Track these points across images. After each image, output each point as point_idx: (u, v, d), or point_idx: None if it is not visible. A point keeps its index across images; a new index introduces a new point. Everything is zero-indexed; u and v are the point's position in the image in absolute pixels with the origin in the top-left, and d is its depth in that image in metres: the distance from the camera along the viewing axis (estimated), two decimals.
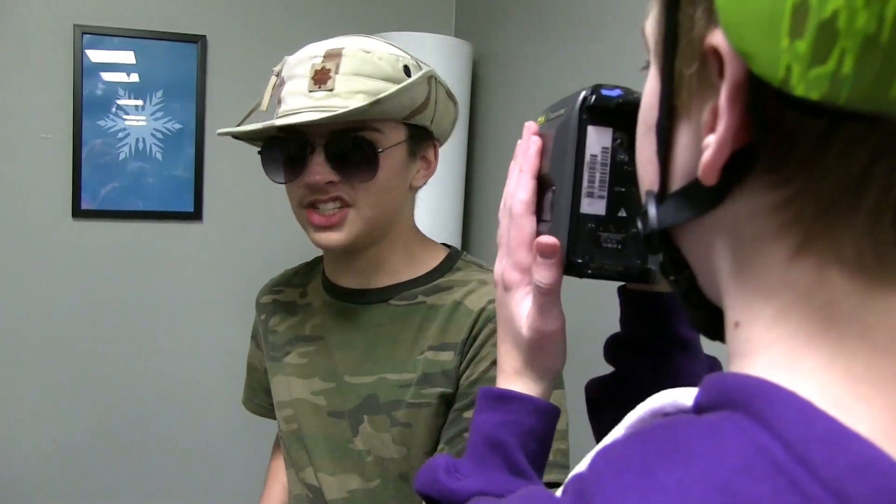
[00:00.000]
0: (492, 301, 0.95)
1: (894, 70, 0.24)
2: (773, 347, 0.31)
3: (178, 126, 2.54)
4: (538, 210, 0.58)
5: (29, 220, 2.44)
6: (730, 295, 0.34)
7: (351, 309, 1.02)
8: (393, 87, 0.87)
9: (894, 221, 0.28)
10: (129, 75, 2.48)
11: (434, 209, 2.28)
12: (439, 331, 0.96)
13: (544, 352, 0.59)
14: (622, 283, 0.65)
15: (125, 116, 2.48)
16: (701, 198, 0.33)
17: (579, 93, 0.52)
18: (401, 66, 0.92)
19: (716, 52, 0.30)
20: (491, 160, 2.51)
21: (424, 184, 1.02)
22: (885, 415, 0.27)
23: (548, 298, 0.56)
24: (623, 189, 0.52)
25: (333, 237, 0.93)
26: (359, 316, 1.01)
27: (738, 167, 0.31)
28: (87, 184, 2.47)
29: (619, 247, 0.53)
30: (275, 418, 1.16)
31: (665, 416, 0.35)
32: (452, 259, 1.05)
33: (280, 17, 2.63)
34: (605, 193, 0.52)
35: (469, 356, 0.93)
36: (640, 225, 0.38)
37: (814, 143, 0.28)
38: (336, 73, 0.88)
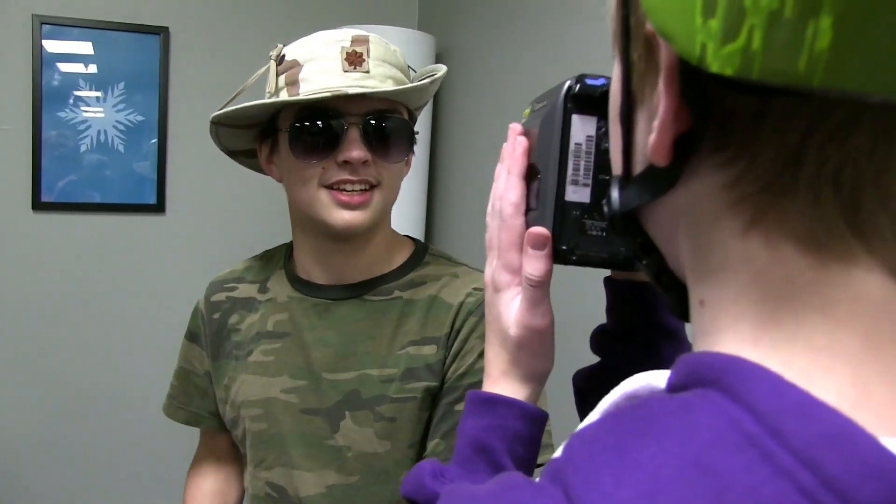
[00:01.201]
0: (469, 294, 0.97)
1: (800, 44, 0.25)
2: (737, 325, 0.32)
3: (140, 118, 2.52)
4: (526, 199, 0.58)
5: None
6: (693, 274, 0.35)
7: (322, 305, 1.01)
8: (409, 79, 0.94)
9: (836, 194, 0.29)
10: (86, 66, 2.45)
11: (398, 202, 2.29)
12: (419, 325, 0.97)
13: (531, 351, 0.58)
14: (608, 274, 0.66)
15: (84, 108, 2.46)
16: (658, 180, 0.34)
17: (564, 82, 0.53)
18: (405, 62, 0.98)
19: (653, 37, 0.31)
20: (454, 154, 2.54)
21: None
22: (850, 385, 0.28)
23: (537, 292, 0.55)
24: (607, 177, 0.52)
25: (359, 216, 0.93)
26: (331, 312, 1.00)
27: (686, 148, 0.31)
28: (47, 176, 2.44)
29: (604, 234, 0.53)
30: (209, 426, 1.14)
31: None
32: (420, 253, 1.06)
33: (243, 8, 2.62)
34: (589, 181, 0.52)
35: (454, 350, 0.95)
36: (605, 208, 0.39)
37: (749, 121, 0.29)
38: (367, 56, 0.91)
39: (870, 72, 0.25)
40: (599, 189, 0.53)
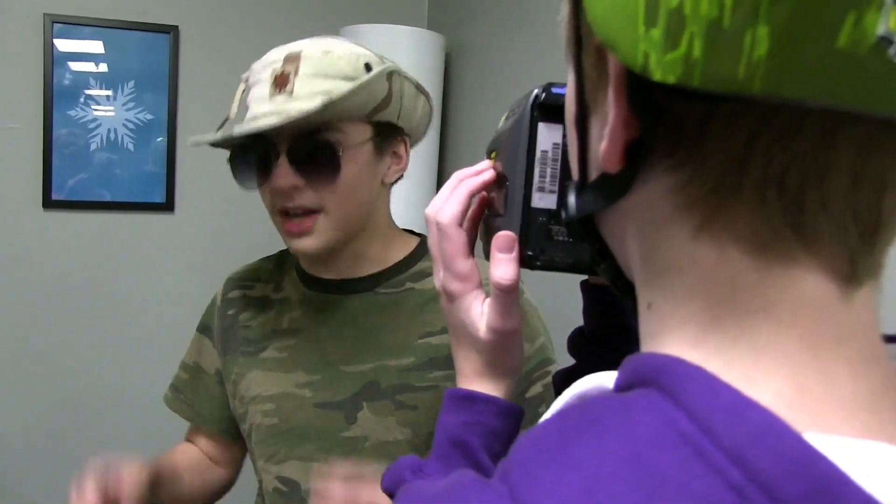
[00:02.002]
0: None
1: (738, 52, 0.25)
2: (683, 327, 0.32)
3: (149, 117, 2.52)
4: (496, 206, 0.60)
5: None
6: (641, 278, 0.36)
7: (334, 300, 1.03)
8: (353, 85, 0.87)
9: (780, 196, 0.29)
10: (97, 65, 2.46)
11: (406, 202, 2.30)
12: (435, 317, 0.98)
13: (504, 351, 0.59)
14: (585, 278, 0.66)
15: (95, 107, 2.47)
16: (611, 186, 0.34)
17: (531, 91, 0.54)
18: (361, 64, 0.91)
19: (603, 48, 0.32)
20: (464, 153, 2.53)
21: (398, 179, 1.02)
22: (788, 385, 0.29)
23: (508, 297, 0.56)
24: None
25: (306, 243, 0.94)
26: (343, 306, 1.02)
27: (638, 155, 0.32)
28: (58, 174, 2.45)
29: (570, 240, 0.54)
30: (208, 430, 1.16)
31: None
32: (424, 244, 1.07)
33: (253, 7, 2.62)
34: (556, 188, 0.53)
35: None
36: (562, 214, 0.40)
37: (696, 127, 0.30)
38: (295, 75, 0.88)
39: (806, 79, 0.25)
40: (565, 195, 0.54)
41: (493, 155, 0.62)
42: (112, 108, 2.49)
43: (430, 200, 2.22)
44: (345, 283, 1.03)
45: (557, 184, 0.53)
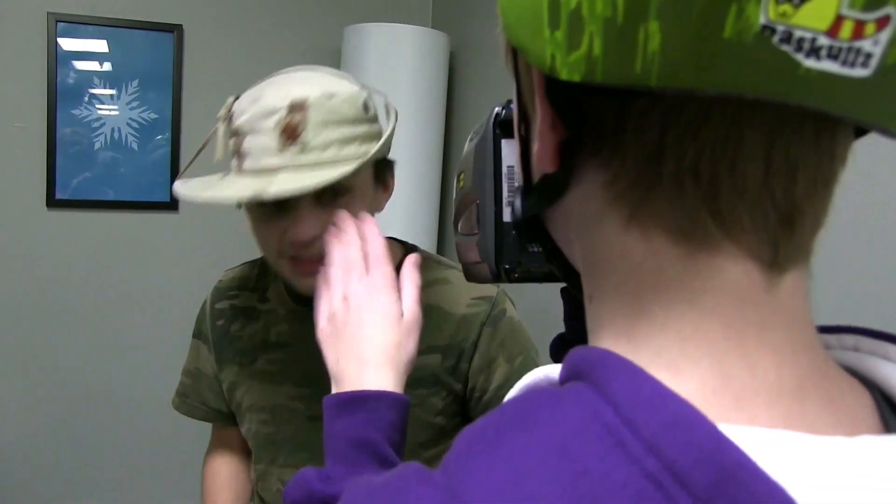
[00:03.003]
0: (470, 305, 1.00)
1: (633, 47, 0.27)
2: (615, 318, 0.34)
3: (153, 116, 2.52)
4: (468, 224, 0.61)
5: (2, 210, 2.42)
6: (583, 272, 0.37)
7: None
8: (360, 129, 0.90)
9: (696, 186, 0.30)
10: (101, 64, 2.46)
11: (410, 202, 2.29)
12: (425, 333, 0.97)
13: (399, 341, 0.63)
14: (564, 286, 0.67)
15: (99, 106, 2.47)
16: (551, 187, 0.36)
17: (493, 109, 0.56)
18: (360, 104, 0.92)
19: None
20: None
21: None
22: (713, 373, 0.30)
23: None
24: None
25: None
26: None
27: (569, 154, 0.34)
28: (61, 173, 2.45)
29: (542, 250, 0.56)
30: (224, 423, 1.17)
31: None
32: (408, 251, 1.06)
33: (256, 6, 2.62)
34: None
35: (478, 364, 0.99)
36: (510, 218, 0.41)
37: (614, 122, 0.31)
38: (305, 126, 0.86)
39: (698, 69, 0.27)
40: None
41: (460, 176, 0.63)
42: (116, 107, 2.48)
43: (433, 200, 2.25)
44: None
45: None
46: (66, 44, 2.41)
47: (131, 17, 2.46)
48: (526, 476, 0.28)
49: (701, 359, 0.31)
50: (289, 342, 1.04)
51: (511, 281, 0.56)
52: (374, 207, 0.99)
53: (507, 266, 0.55)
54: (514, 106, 0.41)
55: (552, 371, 0.38)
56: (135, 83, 2.49)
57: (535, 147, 0.34)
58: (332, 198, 0.90)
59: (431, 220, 2.48)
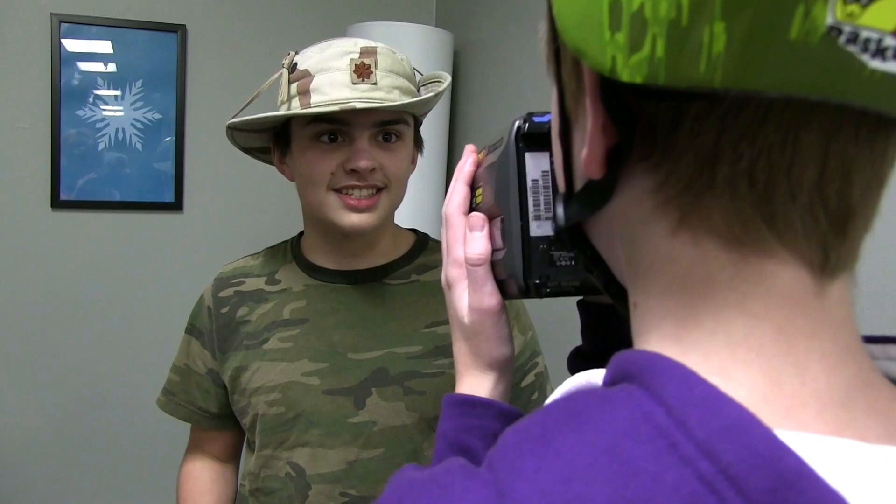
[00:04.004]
0: None
1: (698, 49, 0.27)
2: (663, 323, 0.34)
3: (158, 116, 2.52)
4: (491, 240, 0.60)
5: (7, 212, 2.42)
6: (628, 279, 0.37)
7: (340, 290, 1.06)
8: (413, 86, 1.01)
9: (751, 189, 0.30)
10: (106, 65, 2.46)
11: (415, 200, 2.29)
12: (440, 307, 1.05)
13: (485, 335, 0.60)
14: (581, 298, 0.66)
15: (103, 107, 2.47)
16: (596, 193, 0.35)
17: (514, 123, 0.55)
18: (412, 67, 1.03)
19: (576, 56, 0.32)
20: None
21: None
22: (763, 378, 0.30)
23: (480, 272, 0.58)
24: None
25: (367, 219, 0.99)
26: (350, 296, 1.06)
27: (618, 160, 0.33)
28: (66, 174, 2.45)
29: (573, 263, 0.54)
30: (208, 426, 1.17)
31: None
32: (423, 240, 1.14)
33: (260, 6, 2.62)
34: (551, 214, 0.54)
35: None
36: (552, 226, 0.41)
37: (668, 126, 0.31)
38: (375, 68, 0.96)
39: (763, 70, 0.26)
40: None
41: (477, 192, 0.62)
42: (120, 107, 2.49)
43: (438, 197, 2.28)
44: (353, 274, 1.06)
45: (552, 210, 0.54)
46: (71, 45, 2.41)
47: (135, 17, 2.46)
48: (575, 476, 0.28)
49: (751, 364, 0.30)
50: (305, 317, 1.05)
51: (541, 296, 0.55)
52: (410, 169, 1.08)
53: (536, 281, 0.54)
54: (552, 113, 0.40)
55: (594, 376, 0.38)
56: (139, 84, 2.49)
57: (583, 152, 0.34)
58: (386, 139, 0.99)
59: (435, 218, 2.47)
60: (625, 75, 0.29)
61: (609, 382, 0.34)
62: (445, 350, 1.03)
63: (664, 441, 0.27)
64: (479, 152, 0.64)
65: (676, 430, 0.27)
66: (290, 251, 1.13)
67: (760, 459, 0.26)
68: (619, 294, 0.41)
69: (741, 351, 0.31)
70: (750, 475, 0.25)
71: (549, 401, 0.40)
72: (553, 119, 0.40)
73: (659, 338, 0.34)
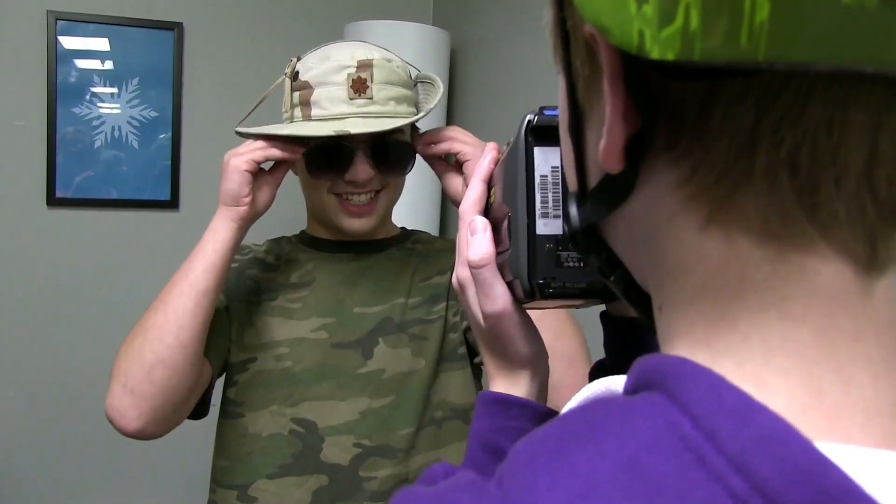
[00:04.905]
0: None
1: (739, 18, 0.24)
2: (691, 327, 0.31)
3: (154, 114, 2.52)
4: (501, 240, 0.58)
5: (3, 210, 2.42)
6: (652, 280, 0.34)
7: (345, 257, 1.12)
8: (409, 92, 1.05)
9: (792, 178, 0.27)
10: (103, 63, 2.46)
11: (411, 198, 2.29)
12: (434, 264, 1.15)
13: (505, 337, 0.57)
14: (604, 310, 0.64)
15: (100, 104, 2.46)
16: (614, 189, 0.33)
17: (525, 116, 0.53)
18: (407, 72, 1.07)
19: (592, 38, 0.30)
20: None
21: None
22: (802, 387, 0.27)
23: (485, 274, 0.55)
24: None
25: (365, 223, 1.06)
26: (354, 261, 1.12)
27: (638, 151, 0.30)
28: (62, 172, 2.45)
29: (580, 264, 0.52)
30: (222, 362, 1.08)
31: None
32: (408, 230, 1.22)
33: (257, 4, 2.61)
34: (559, 213, 0.52)
35: None
36: (564, 227, 0.38)
37: (698, 109, 0.28)
38: (371, 82, 1.00)
39: (813, 40, 0.23)
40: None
41: (492, 191, 0.60)
42: (117, 105, 2.48)
43: (434, 198, 2.30)
44: (356, 245, 1.12)
45: (561, 208, 0.51)
46: (67, 42, 2.41)
47: (131, 15, 2.46)
48: (592, 494, 0.26)
49: (790, 371, 0.28)
50: (312, 279, 1.11)
51: (545, 297, 0.52)
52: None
53: (540, 281, 0.51)
54: (560, 106, 0.38)
55: (614, 383, 0.36)
56: (135, 81, 2.49)
57: (601, 144, 0.31)
58: (386, 150, 1.03)
59: (433, 218, 2.47)
60: (654, 52, 0.25)
61: (630, 390, 0.31)
62: (440, 297, 1.12)
63: (691, 454, 0.25)
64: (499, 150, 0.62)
65: (704, 442, 0.25)
66: (294, 238, 1.18)
67: (800, 475, 0.23)
68: (641, 300, 0.38)
69: (778, 357, 0.28)
70: (788, 492, 0.23)
71: (565, 409, 0.38)
72: (561, 112, 0.37)
73: (687, 343, 0.31)
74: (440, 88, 1.08)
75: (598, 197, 0.34)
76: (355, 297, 1.10)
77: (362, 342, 1.07)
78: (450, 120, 2.60)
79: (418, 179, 2.50)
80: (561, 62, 0.35)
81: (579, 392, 0.39)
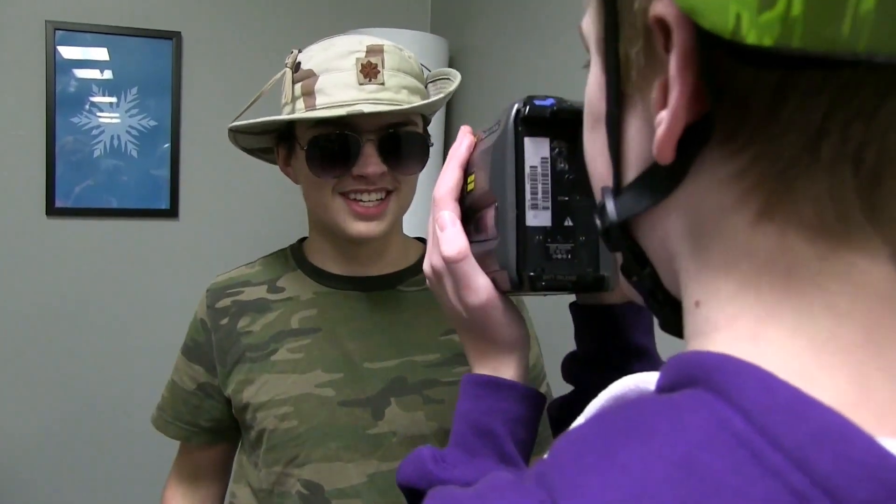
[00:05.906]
0: None
1: (842, 7, 0.23)
2: (735, 322, 0.30)
3: (153, 123, 2.52)
4: (483, 229, 0.57)
5: (2, 220, 2.42)
6: (689, 276, 0.33)
7: (353, 297, 1.02)
8: (421, 84, 0.96)
9: (855, 174, 0.27)
10: (102, 72, 2.46)
11: (411, 206, 2.28)
12: None
13: (491, 325, 0.57)
14: (573, 300, 0.64)
15: (99, 114, 2.46)
16: (660, 181, 0.32)
17: (512, 106, 0.52)
18: (419, 64, 0.98)
19: (661, 22, 0.29)
20: None
21: None
22: (850, 383, 0.27)
23: (464, 269, 0.55)
24: (567, 198, 0.52)
25: (374, 227, 0.95)
26: (363, 304, 1.01)
27: (693, 141, 0.30)
28: (61, 182, 2.45)
29: (570, 256, 0.52)
30: (199, 441, 1.10)
31: None
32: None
33: (255, 13, 2.62)
34: (549, 204, 0.51)
35: None
36: (598, 221, 0.37)
37: (769, 99, 0.28)
38: (382, 67, 0.91)
39: None
40: (560, 211, 0.52)
41: (469, 178, 0.59)
42: (116, 114, 2.48)
43: (430, 204, 2.20)
44: (365, 280, 1.02)
45: (550, 200, 0.51)
46: (66, 52, 2.41)
47: (130, 24, 2.46)
48: (647, 494, 0.25)
49: (837, 368, 0.27)
50: (316, 327, 1.00)
51: (535, 290, 0.52)
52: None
53: (531, 273, 0.51)
54: (589, 99, 0.37)
55: (643, 380, 0.35)
56: (134, 91, 2.49)
57: (661, 131, 0.30)
58: (395, 146, 0.93)
59: (426, 223, 2.47)
60: (751, 36, 0.25)
61: (667, 388, 0.30)
62: (463, 358, 0.98)
63: (745, 451, 0.25)
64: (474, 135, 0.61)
65: (759, 438, 0.25)
66: (293, 258, 1.07)
67: (861, 469, 0.23)
68: (666, 301, 0.37)
69: (825, 353, 0.28)
70: (853, 488, 0.23)
71: (592, 408, 0.38)
72: (591, 104, 0.36)
73: (729, 338, 0.30)
74: (457, 77, 0.99)
75: (640, 189, 0.34)
76: (365, 349, 0.99)
77: (372, 401, 0.98)
78: (448, 128, 2.60)
79: (419, 179, 2.50)
80: (601, 52, 0.35)
81: (607, 389, 0.38)
